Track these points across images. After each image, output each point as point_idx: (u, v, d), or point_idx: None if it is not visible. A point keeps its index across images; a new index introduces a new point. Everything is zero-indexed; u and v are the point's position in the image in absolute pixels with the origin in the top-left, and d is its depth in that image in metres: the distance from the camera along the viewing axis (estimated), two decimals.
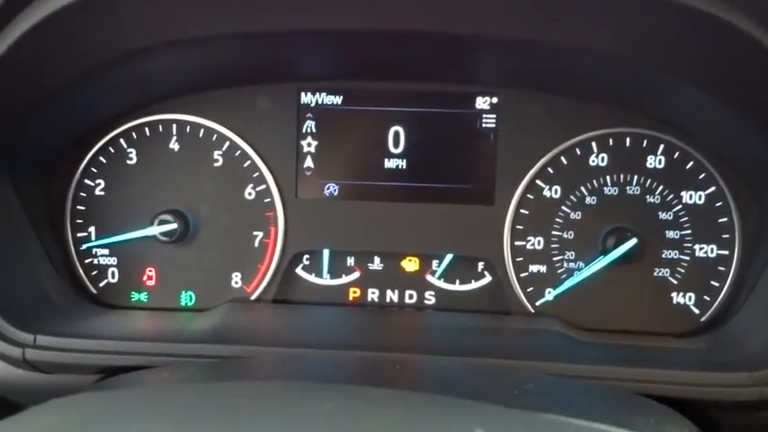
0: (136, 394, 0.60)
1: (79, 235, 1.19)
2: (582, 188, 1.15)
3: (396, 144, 1.18)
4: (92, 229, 1.19)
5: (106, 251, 1.20)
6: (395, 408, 0.56)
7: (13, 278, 1.03)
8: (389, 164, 1.18)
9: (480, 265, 1.19)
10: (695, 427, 0.76)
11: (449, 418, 0.55)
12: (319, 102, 1.18)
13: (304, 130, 1.18)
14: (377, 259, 1.21)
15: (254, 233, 1.19)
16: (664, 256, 1.15)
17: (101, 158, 1.19)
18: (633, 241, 1.11)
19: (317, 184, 1.19)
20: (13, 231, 1.07)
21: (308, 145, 1.18)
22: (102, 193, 1.19)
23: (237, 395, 0.58)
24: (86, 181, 1.19)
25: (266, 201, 1.18)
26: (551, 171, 1.15)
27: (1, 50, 0.88)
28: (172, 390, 0.61)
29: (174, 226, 1.16)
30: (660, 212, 1.14)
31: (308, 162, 1.18)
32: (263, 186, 1.18)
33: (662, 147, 1.14)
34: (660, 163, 1.14)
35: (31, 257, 1.09)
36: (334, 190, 1.19)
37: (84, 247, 1.19)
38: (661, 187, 1.14)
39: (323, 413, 0.53)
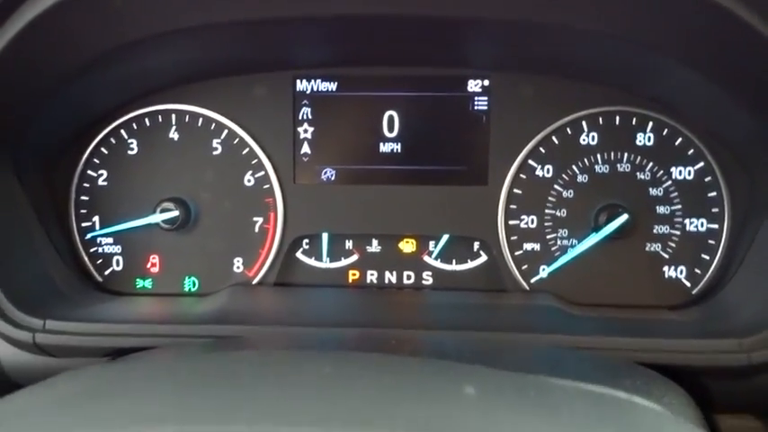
0: (143, 365, 0.63)
1: (84, 225, 1.22)
2: (573, 167, 1.18)
3: (390, 128, 1.20)
4: (96, 218, 1.22)
5: (110, 240, 1.23)
6: (390, 371, 0.59)
7: (21, 267, 1.06)
8: (384, 148, 1.20)
9: (476, 245, 1.22)
10: (682, 390, 0.79)
11: (441, 379, 0.58)
12: (314, 89, 1.20)
13: (300, 117, 1.21)
14: (375, 241, 1.23)
15: (254, 219, 1.21)
16: (655, 231, 1.17)
17: (102, 149, 1.21)
18: (624, 217, 1.14)
19: (314, 170, 1.21)
20: (19, 222, 1.09)
21: (305, 131, 1.21)
22: (105, 183, 1.21)
23: (239, 363, 0.60)
24: (89, 172, 1.21)
25: (265, 187, 1.21)
26: (543, 151, 1.18)
27: (0, 46, 0.91)
28: (177, 361, 0.64)
29: (175, 213, 1.18)
30: (650, 188, 1.17)
31: (305, 148, 1.21)
32: (262, 173, 1.21)
33: (651, 124, 1.16)
34: (649, 140, 1.17)
35: (36, 247, 1.12)
36: (332, 175, 1.21)
37: (89, 236, 1.22)
38: (651, 164, 1.16)
39: (321, 377, 0.56)
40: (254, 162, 1.21)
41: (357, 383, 0.55)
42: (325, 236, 1.23)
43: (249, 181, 1.21)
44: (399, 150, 1.20)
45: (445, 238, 1.22)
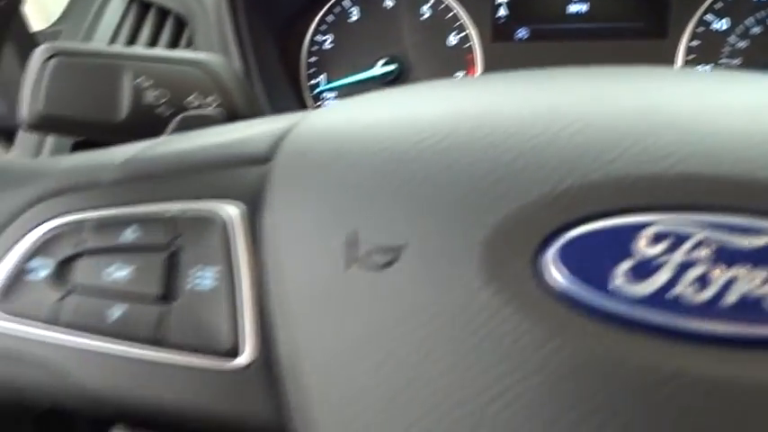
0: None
1: (312, 82, 1.46)
2: (747, 20, 1.31)
3: None
4: (323, 76, 1.46)
5: (334, 94, 1.46)
6: None
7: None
8: (572, 8, 1.37)
9: None
10: None
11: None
12: None
13: None
14: None
15: (457, 73, 1.42)
16: None
17: (328, 18, 1.44)
18: None
19: (509, 30, 1.40)
20: (276, 79, 1.35)
21: None
22: (331, 45, 1.45)
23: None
24: (317, 37, 1.45)
25: (466, 46, 1.41)
26: (719, 6, 1.32)
27: None
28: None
29: (390, 68, 1.41)
30: None
31: (502, 11, 1.40)
32: (464, 33, 1.40)
33: None
34: None
35: (284, 100, 1.38)
36: (525, 34, 1.40)
37: (316, 91, 1.46)
38: None
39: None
40: (456, 24, 1.40)
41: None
42: None
43: (453, 41, 1.41)
44: (585, 10, 1.37)
45: None
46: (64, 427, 0.68)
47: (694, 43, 1.33)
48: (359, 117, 0.51)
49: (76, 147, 1.16)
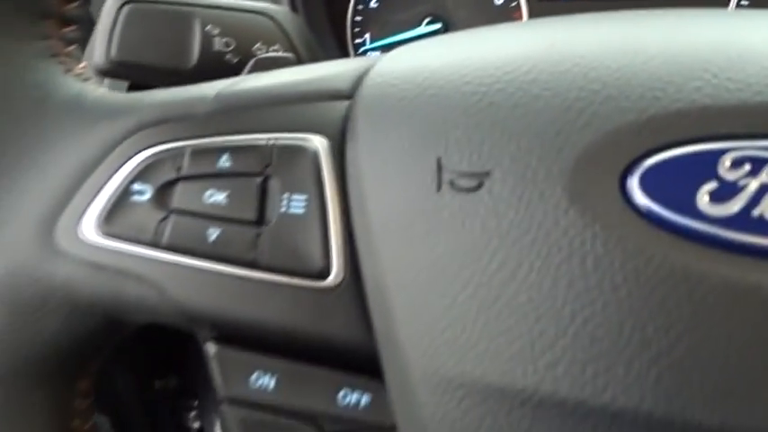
0: None
1: (357, 41, 1.48)
2: None
3: None
4: (367, 35, 1.47)
5: (378, 53, 1.47)
6: None
7: None
8: None
9: None
10: None
11: None
12: None
13: None
14: None
15: None
16: None
17: None
18: None
19: None
20: (324, 38, 1.37)
21: None
22: (377, 4, 1.46)
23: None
24: None
25: (513, 5, 1.41)
26: None
27: None
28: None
29: (435, 27, 1.42)
30: None
31: None
32: None
33: None
34: None
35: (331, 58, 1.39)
36: None
37: (361, 50, 1.48)
38: None
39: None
40: None
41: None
42: None
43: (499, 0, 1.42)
44: None
45: None
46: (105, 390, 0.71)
47: (744, 2, 1.32)
48: (437, 54, 0.53)
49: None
